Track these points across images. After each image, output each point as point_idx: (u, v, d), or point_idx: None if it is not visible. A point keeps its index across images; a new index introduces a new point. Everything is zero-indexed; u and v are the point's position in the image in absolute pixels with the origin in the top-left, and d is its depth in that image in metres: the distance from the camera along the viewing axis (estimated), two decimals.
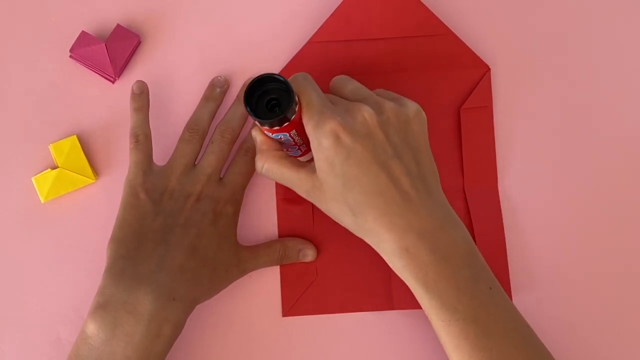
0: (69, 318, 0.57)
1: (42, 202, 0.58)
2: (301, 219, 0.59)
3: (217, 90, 0.60)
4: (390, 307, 0.58)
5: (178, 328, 0.52)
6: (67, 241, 0.58)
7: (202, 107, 0.59)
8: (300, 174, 0.51)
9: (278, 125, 0.49)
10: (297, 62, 0.60)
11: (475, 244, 0.52)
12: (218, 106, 0.59)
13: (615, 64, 0.61)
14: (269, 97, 0.49)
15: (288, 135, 0.51)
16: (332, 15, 0.60)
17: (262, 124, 0.49)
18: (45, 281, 0.58)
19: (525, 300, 0.58)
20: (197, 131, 0.57)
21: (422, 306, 0.50)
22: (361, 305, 0.58)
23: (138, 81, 0.58)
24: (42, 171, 0.58)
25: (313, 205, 0.59)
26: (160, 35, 0.61)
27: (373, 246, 0.50)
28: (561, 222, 0.59)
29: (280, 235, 0.59)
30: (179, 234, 0.53)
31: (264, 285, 0.58)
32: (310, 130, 0.49)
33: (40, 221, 0.59)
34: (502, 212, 0.59)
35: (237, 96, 0.60)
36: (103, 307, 0.50)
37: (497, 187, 0.60)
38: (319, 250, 0.58)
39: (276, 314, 0.58)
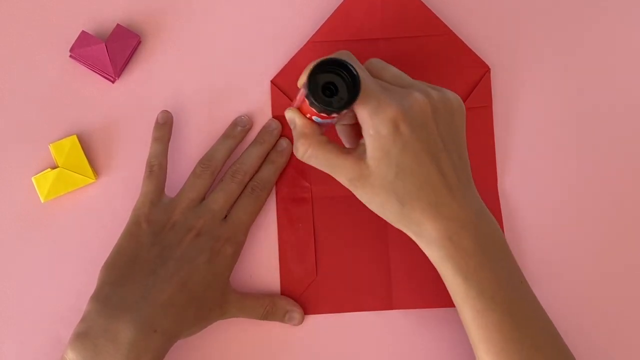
0: (69, 318, 0.57)
1: (42, 202, 0.58)
2: (301, 219, 0.59)
3: (238, 128, 0.59)
4: (390, 306, 0.58)
5: None
6: (67, 241, 0.58)
7: (220, 144, 0.58)
8: (347, 161, 0.49)
9: (337, 113, 0.47)
10: (297, 62, 0.60)
11: None
12: (237, 145, 0.59)
13: (616, 64, 0.61)
14: (325, 81, 0.46)
15: (334, 120, 0.49)
16: (332, 15, 0.60)
17: (321, 110, 0.46)
18: (45, 281, 0.58)
19: None
20: (209, 167, 0.57)
21: (457, 296, 0.49)
22: (361, 305, 0.58)
23: (164, 111, 0.58)
24: (42, 171, 0.58)
25: (313, 205, 0.59)
26: (160, 35, 0.61)
27: (412, 236, 0.50)
28: (561, 222, 0.59)
29: (280, 237, 0.59)
30: (171, 267, 0.53)
31: (264, 285, 0.58)
32: (366, 116, 0.47)
33: (40, 221, 0.58)
34: (502, 211, 0.59)
35: (254, 139, 0.59)
36: (84, 334, 0.50)
37: (496, 187, 0.60)
38: (319, 250, 0.58)
39: None
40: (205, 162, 0.57)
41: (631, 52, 0.62)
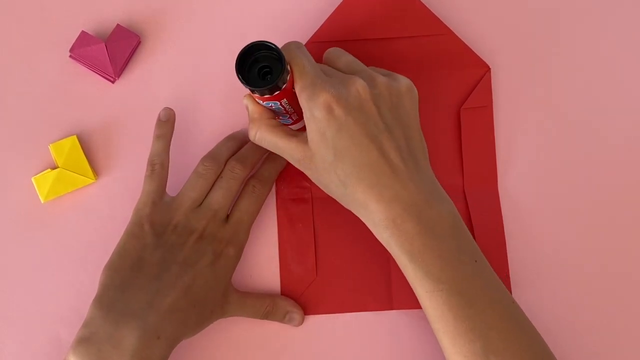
0: (69, 318, 0.57)
1: (42, 202, 0.58)
2: (301, 219, 0.59)
3: (241, 132, 0.59)
4: (390, 307, 0.58)
5: None
6: (67, 241, 0.58)
7: (223, 144, 0.58)
8: (291, 143, 0.51)
9: (269, 94, 0.49)
10: None
11: (476, 242, 0.52)
12: (240, 147, 0.58)
13: (616, 64, 0.61)
14: (260, 65, 0.50)
15: (279, 103, 0.51)
16: (331, 15, 0.60)
17: (253, 92, 0.50)
18: (45, 281, 0.58)
19: (526, 299, 0.58)
20: (211, 166, 0.56)
21: (407, 277, 0.50)
22: (361, 305, 0.58)
23: (166, 108, 0.58)
24: (42, 171, 0.58)
25: (313, 205, 0.59)
26: (160, 35, 0.61)
27: (361, 218, 0.51)
28: (561, 222, 0.59)
29: (280, 237, 0.59)
30: (175, 272, 0.52)
31: (264, 285, 0.58)
32: (303, 100, 0.50)
33: (40, 221, 0.58)
34: (502, 212, 0.59)
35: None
36: (87, 340, 0.50)
37: (497, 187, 0.60)
38: (319, 250, 0.58)
39: None
40: (207, 161, 0.56)
41: (632, 52, 0.62)
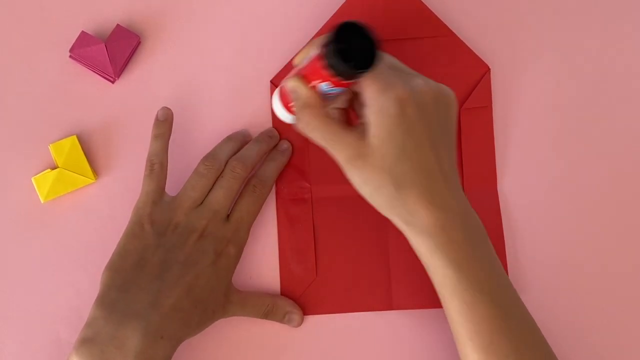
0: (69, 318, 0.57)
1: (42, 202, 0.58)
2: (301, 219, 0.59)
3: (241, 134, 0.59)
4: (390, 307, 0.58)
5: None
6: (67, 241, 0.58)
7: (223, 144, 0.58)
8: (349, 137, 0.48)
9: (351, 80, 0.46)
10: None
11: None
12: (239, 148, 0.58)
13: (615, 64, 0.61)
14: (339, 46, 0.44)
15: (340, 91, 0.48)
16: (334, 15, 0.60)
17: (341, 74, 0.45)
18: (45, 281, 0.58)
19: (524, 299, 0.58)
20: (212, 166, 0.56)
21: (445, 289, 0.49)
22: (361, 305, 0.58)
23: (164, 108, 0.57)
24: (42, 171, 0.58)
25: (313, 205, 0.59)
26: (160, 36, 0.61)
27: (402, 224, 0.49)
28: (560, 222, 0.59)
29: (280, 237, 0.59)
30: (176, 271, 0.52)
31: (264, 285, 0.58)
32: (374, 93, 0.47)
33: (40, 221, 0.58)
34: (501, 211, 0.59)
35: (255, 138, 0.59)
36: (90, 340, 0.50)
37: (496, 187, 0.60)
38: (319, 250, 0.58)
39: None
40: (208, 160, 0.56)
41: (631, 52, 0.62)
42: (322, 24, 0.60)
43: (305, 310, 0.58)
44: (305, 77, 0.49)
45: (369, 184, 0.49)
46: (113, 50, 0.59)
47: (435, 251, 0.48)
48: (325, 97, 0.49)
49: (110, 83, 0.60)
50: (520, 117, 0.61)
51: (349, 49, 0.45)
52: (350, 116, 0.53)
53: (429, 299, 0.57)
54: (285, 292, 0.58)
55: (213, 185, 0.56)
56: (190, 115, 0.60)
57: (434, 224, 0.48)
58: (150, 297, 0.51)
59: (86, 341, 0.50)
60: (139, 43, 0.60)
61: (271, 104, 0.55)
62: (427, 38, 0.60)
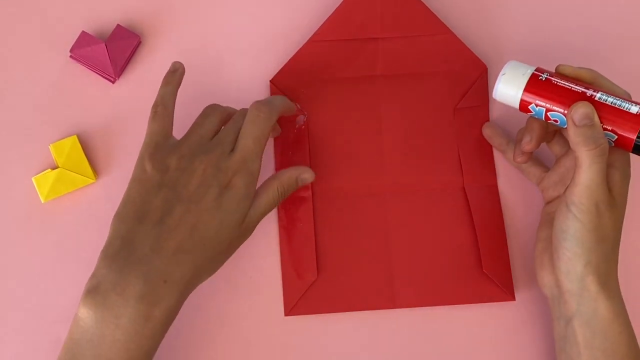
0: (69, 318, 0.56)
1: (42, 202, 0.58)
2: (301, 218, 0.59)
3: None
4: (394, 305, 0.57)
5: (171, 312, 0.50)
6: (67, 241, 0.58)
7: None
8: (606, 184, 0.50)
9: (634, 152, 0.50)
10: (296, 62, 0.60)
11: (477, 241, 0.55)
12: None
13: (614, 64, 0.62)
14: None
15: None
16: (333, 14, 0.60)
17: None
18: (45, 281, 0.57)
19: (527, 297, 0.58)
20: (218, 108, 0.55)
21: None
22: (363, 304, 0.58)
23: (175, 62, 0.56)
24: (42, 171, 0.58)
25: (313, 205, 0.59)
26: (160, 36, 0.61)
27: (593, 284, 0.51)
28: None
29: (280, 236, 0.59)
30: (178, 212, 0.51)
31: (266, 284, 0.58)
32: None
33: (40, 221, 0.58)
34: (502, 210, 0.59)
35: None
36: (94, 289, 0.49)
37: (496, 184, 0.60)
38: (319, 249, 0.58)
39: (278, 313, 0.58)
40: (214, 104, 0.56)
41: (630, 52, 0.62)
42: (321, 24, 0.60)
43: (308, 310, 0.57)
44: (599, 111, 0.49)
45: (597, 234, 0.51)
46: (113, 50, 0.59)
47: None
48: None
49: (111, 83, 0.60)
50: (516, 116, 0.61)
51: None
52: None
53: (432, 296, 0.57)
54: (286, 292, 0.58)
55: (219, 128, 0.54)
56: (190, 115, 0.60)
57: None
58: (151, 242, 0.50)
59: (90, 291, 0.49)
60: (139, 43, 0.61)
61: (501, 74, 0.53)
62: (425, 36, 0.60)
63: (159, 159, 0.52)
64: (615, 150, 0.51)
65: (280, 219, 0.59)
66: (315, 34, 0.60)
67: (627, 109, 0.49)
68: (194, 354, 0.57)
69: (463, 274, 0.58)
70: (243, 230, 0.53)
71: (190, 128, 0.54)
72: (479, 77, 0.61)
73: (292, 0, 0.62)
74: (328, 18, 0.60)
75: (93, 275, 0.50)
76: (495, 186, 0.60)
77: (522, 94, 0.52)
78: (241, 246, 0.58)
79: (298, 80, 0.60)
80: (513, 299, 0.58)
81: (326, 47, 0.60)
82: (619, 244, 0.52)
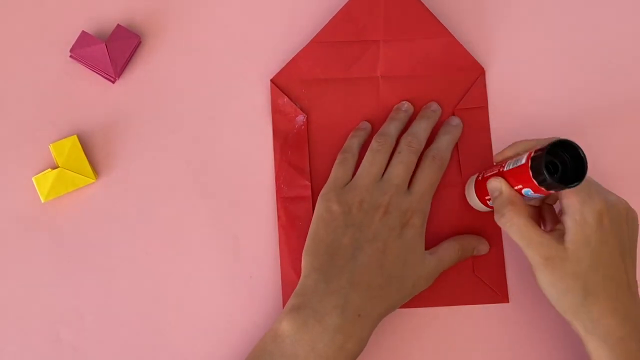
0: (69, 318, 0.57)
1: (42, 202, 0.58)
2: (301, 218, 0.59)
3: (402, 111, 0.60)
4: None
5: (361, 345, 0.52)
6: (67, 241, 0.58)
7: (389, 124, 0.59)
8: (545, 239, 0.51)
9: (554, 190, 0.49)
10: (297, 62, 0.60)
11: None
12: (403, 125, 0.59)
13: (613, 64, 0.62)
14: (547, 160, 0.48)
15: (541, 196, 0.52)
16: (336, 15, 0.60)
17: (546, 186, 0.48)
18: (45, 281, 0.57)
19: (522, 299, 0.58)
20: (385, 142, 0.57)
21: None
22: None
23: (364, 122, 0.60)
24: (42, 171, 0.58)
25: (313, 205, 0.59)
26: (161, 36, 0.61)
27: (580, 329, 0.51)
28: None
29: (280, 236, 0.59)
30: (367, 250, 0.54)
31: (266, 284, 0.58)
32: (576, 203, 0.50)
33: (40, 221, 0.58)
34: None
35: (419, 114, 0.60)
36: (296, 310, 0.52)
37: None
38: None
39: (278, 313, 0.58)
40: (381, 138, 0.58)
41: (629, 52, 0.62)
42: (323, 25, 0.60)
43: None
44: (509, 178, 0.52)
45: (557, 287, 0.51)
46: (113, 50, 0.59)
47: (604, 358, 0.50)
48: (525, 199, 0.52)
49: (111, 83, 0.60)
50: (515, 118, 0.61)
51: (557, 163, 0.49)
52: (541, 214, 0.56)
53: (426, 297, 0.57)
54: (286, 293, 0.58)
55: (388, 160, 0.57)
56: (190, 115, 0.60)
57: (613, 333, 0.50)
58: (346, 277, 0.53)
59: (294, 309, 0.52)
60: (139, 43, 0.61)
61: (465, 190, 0.58)
62: (426, 40, 0.60)
63: (344, 200, 0.56)
64: (548, 200, 0.55)
65: (280, 219, 0.59)
66: (318, 35, 0.60)
67: (520, 163, 0.50)
68: (193, 354, 0.57)
69: (458, 275, 0.58)
70: (425, 277, 0.55)
71: (363, 164, 0.57)
72: (477, 80, 0.61)
73: (293, 1, 0.62)
74: (331, 20, 0.60)
75: (295, 296, 0.53)
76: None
77: (476, 196, 0.56)
78: (241, 246, 0.59)
79: (298, 80, 0.60)
80: (507, 300, 0.58)
81: (328, 48, 0.60)
82: (604, 287, 0.51)
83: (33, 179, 0.58)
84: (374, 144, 0.57)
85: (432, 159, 0.57)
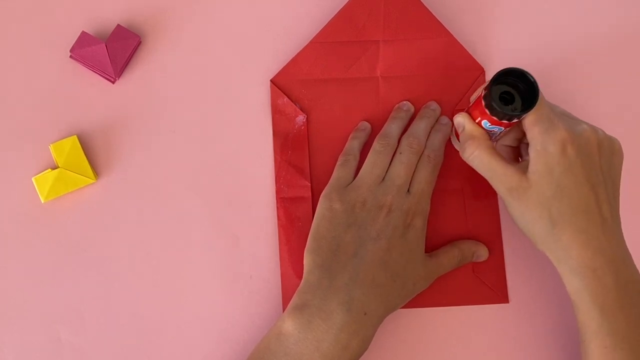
0: (69, 318, 0.57)
1: (42, 202, 0.58)
2: (301, 218, 0.59)
3: (403, 110, 0.60)
4: None
5: (366, 343, 0.52)
6: (67, 241, 0.58)
7: (391, 123, 0.59)
8: (509, 170, 0.51)
9: (508, 120, 0.49)
10: (297, 62, 0.60)
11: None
12: (405, 124, 0.60)
13: (612, 65, 0.62)
14: (501, 91, 0.49)
15: (501, 130, 0.52)
16: (336, 15, 0.60)
17: (496, 115, 0.49)
18: (45, 281, 0.58)
19: (522, 299, 0.58)
20: (387, 144, 0.58)
21: (587, 330, 0.50)
22: None
23: (363, 122, 0.60)
24: (42, 171, 0.58)
25: (313, 205, 0.59)
26: (161, 36, 0.61)
27: (554, 261, 0.51)
28: None
29: (280, 237, 0.59)
30: (370, 248, 0.54)
31: (266, 284, 0.58)
32: (537, 133, 0.50)
33: (40, 221, 0.58)
34: (499, 211, 0.59)
35: (418, 114, 0.60)
36: (300, 308, 0.52)
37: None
38: None
39: (278, 313, 0.58)
40: (383, 139, 0.58)
41: (628, 52, 0.62)
42: (323, 25, 0.60)
43: None
44: (471, 113, 0.53)
45: (525, 218, 0.51)
46: (113, 51, 0.59)
47: (583, 292, 0.50)
48: (491, 134, 0.53)
49: (111, 83, 0.60)
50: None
51: (509, 92, 0.50)
52: (519, 154, 0.56)
53: (427, 297, 0.57)
54: (285, 293, 0.58)
55: (391, 162, 0.57)
56: (190, 115, 0.60)
57: (586, 265, 0.49)
58: (350, 274, 0.53)
59: (297, 308, 0.52)
60: (139, 43, 0.61)
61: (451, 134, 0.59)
62: (426, 40, 0.61)
63: (346, 200, 0.56)
64: (510, 130, 0.54)
65: (279, 219, 0.59)
66: (318, 35, 0.60)
67: (477, 96, 0.51)
68: (193, 354, 0.57)
69: (458, 275, 0.58)
70: (425, 278, 0.56)
71: (365, 166, 0.57)
72: (477, 80, 0.61)
73: (293, 1, 0.62)
74: (331, 20, 0.60)
75: (298, 295, 0.53)
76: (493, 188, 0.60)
77: (456, 137, 0.56)
78: (240, 246, 0.59)
79: (298, 80, 0.61)
80: (507, 301, 0.58)
81: (328, 48, 0.60)
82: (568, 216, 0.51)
83: (33, 179, 0.58)
84: (376, 145, 0.58)
85: (427, 159, 0.58)
